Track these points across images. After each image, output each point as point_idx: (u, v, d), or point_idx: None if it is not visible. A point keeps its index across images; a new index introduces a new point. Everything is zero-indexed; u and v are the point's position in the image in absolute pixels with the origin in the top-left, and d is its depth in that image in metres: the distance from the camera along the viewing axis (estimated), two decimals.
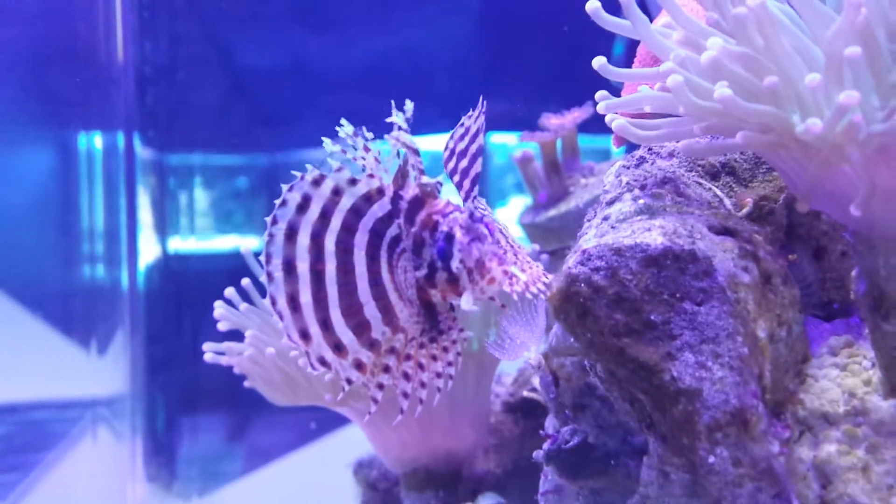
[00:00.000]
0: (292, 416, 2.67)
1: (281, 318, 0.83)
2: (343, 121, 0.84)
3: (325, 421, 2.64)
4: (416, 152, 0.89)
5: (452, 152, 0.87)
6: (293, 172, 0.83)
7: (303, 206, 0.82)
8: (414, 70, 2.75)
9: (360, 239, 0.86)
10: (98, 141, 2.66)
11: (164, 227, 2.79)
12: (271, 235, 0.83)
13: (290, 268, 0.83)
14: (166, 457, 2.72)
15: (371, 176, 0.84)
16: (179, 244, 2.83)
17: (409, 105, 0.87)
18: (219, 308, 1.50)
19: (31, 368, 2.37)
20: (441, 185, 0.92)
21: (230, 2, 2.79)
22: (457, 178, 0.86)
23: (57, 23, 2.46)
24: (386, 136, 0.87)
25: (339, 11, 2.83)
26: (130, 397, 2.62)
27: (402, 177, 0.89)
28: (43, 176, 2.58)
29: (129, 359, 2.62)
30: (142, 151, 2.72)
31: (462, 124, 0.87)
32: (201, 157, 2.93)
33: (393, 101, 0.88)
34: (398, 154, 0.89)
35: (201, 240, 2.87)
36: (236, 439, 2.81)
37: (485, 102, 0.86)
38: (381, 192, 0.85)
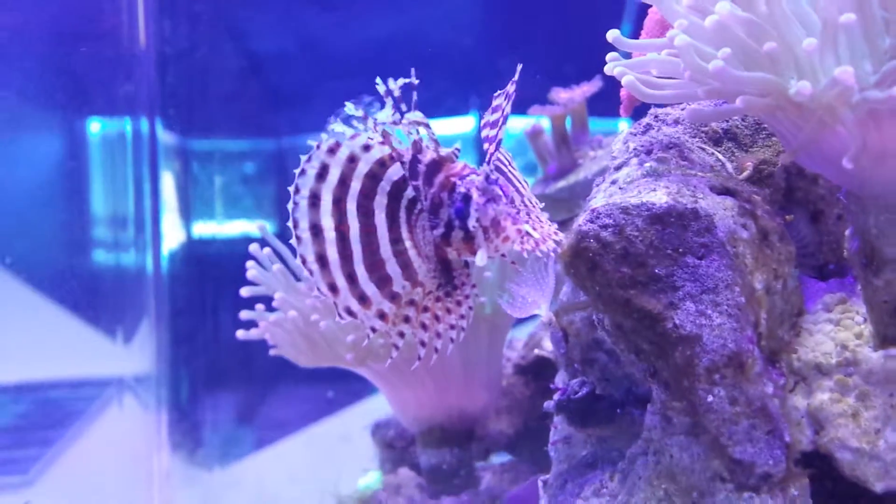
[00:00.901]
0: (311, 389, 2.76)
1: (311, 273, 0.90)
2: (378, 79, 0.90)
3: (342, 393, 2.73)
4: (428, 126, 0.95)
5: (486, 123, 0.94)
6: (309, 142, 0.88)
7: (322, 175, 0.88)
8: (424, 52, 2.78)
9: (380, 201, 0.92)
10: (120, 125, 2.70)
11: (186, 211, 2.84)
12: (296, 203, 0.89)
13: (316, 230, 0.89)
14: (190, 428, 2.81)
15: (383, 142, 0.89)
16: (201, 228, 2.90)
17: (393, 85, 0.91)
18: (251, 269, 1.58)
19: (64, 350, 2.47)
20: (459, 151, 0.98)
21: None
22: (486, 144, 0.92)
23: (79, 8, 2.50)
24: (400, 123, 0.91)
25: (346, 1, 2.86)
26: (156, 373, 2.71)
27: (419, 143, 0.95)
28: (65, 161, 2.64)
29: (155, 337, 2.70)
30: (164, 136, 2.74)
31: (497, 96, 0.93)
32: (223, 142, 2.98)
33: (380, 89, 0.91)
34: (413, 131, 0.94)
35: (222, 224, 2.94)
36: (257, 411, 2.91)
37: (517, 74, 0.92)
38: (392, 157, 0.91)
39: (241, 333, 1.62)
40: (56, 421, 2.53)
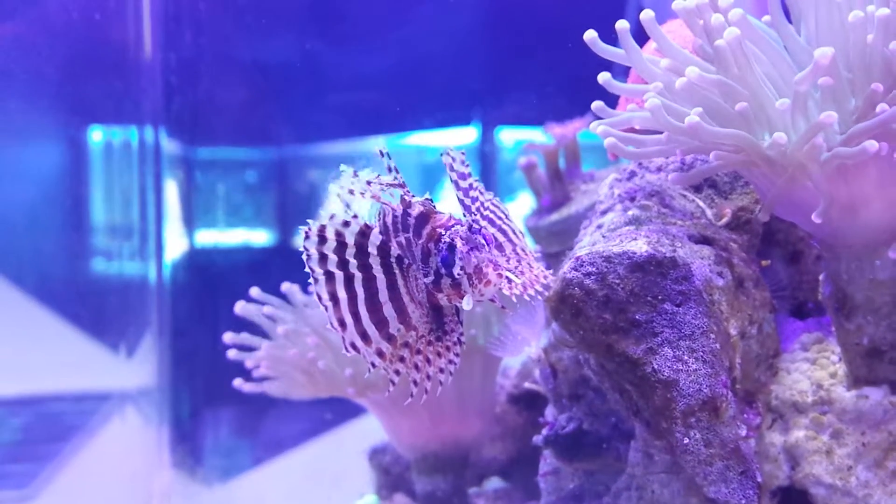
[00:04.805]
0: (309, 407, 2.80)
1: (326, 309, 0.98)
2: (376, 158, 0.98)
3: (340, 413, 2.77)
4: (403, 185, 1.03)
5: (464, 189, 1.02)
6: (300, 228, 0.97)
7: (322, 240, 0.97)
8: (426, 66, 2.81)
9: (373, 260, 1.01)
10: (125, 134, 2.71)
11: (189, 220, 2.86)
12: (308, 256, 0.98)
13: (329, 275, 0.98)
14: (191, 445, 2.84)
15: (356, 216, 0.99)
16: (203, 238, 2.92)
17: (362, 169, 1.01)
18: (242, 306, 1.65)
19: (65, 363, 2.50)
20: (431, 200, 1.05)
21: (247, 7, 2.87)
22: (461, 194, 0.99)
23: (85, 17, 2.51)
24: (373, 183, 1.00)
25: (349, 13, 2.91)
26: (158, 388, 2.74)
27: (407, 200, 1.03)
28: (70, 171, 2.66)
29: (157, 352, 2.73)
30: (168, 144, 2.71)
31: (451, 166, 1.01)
32: (226, 151, 3.00)
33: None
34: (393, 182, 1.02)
35: (224, 232, 2.97)
36: (257, 429, 2.94)
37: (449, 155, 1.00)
38: (368, 227, 1.00)
39: (233, 354, 1.68)
40: (57, 435, 2.56)
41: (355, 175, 1.00)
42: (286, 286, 1.67)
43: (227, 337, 1.67)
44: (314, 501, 2.44)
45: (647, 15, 1.06)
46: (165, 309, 2.77)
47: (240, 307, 1.66)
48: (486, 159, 2.94)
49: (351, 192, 0.99)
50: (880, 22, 0.96)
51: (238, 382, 1.67)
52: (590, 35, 1.09)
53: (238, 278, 1.73)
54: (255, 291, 1.68)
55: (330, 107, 2.87)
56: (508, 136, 2.95)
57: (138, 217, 2.71)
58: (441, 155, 1.01)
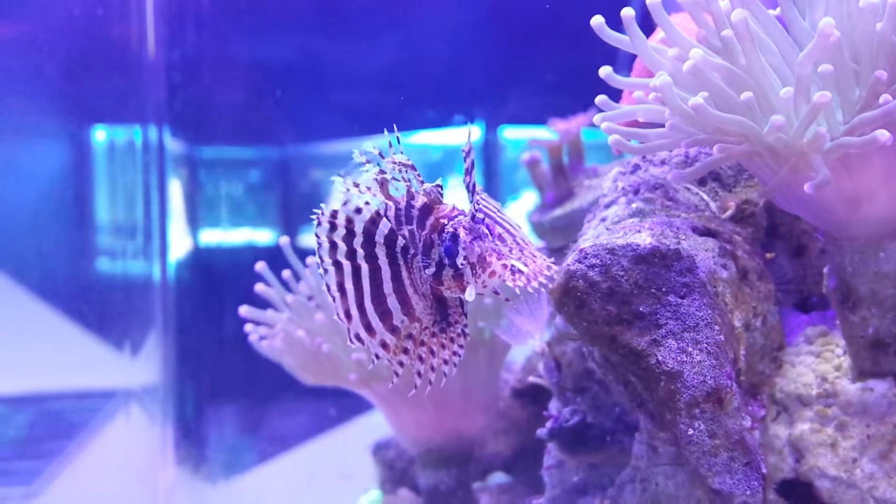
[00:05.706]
0: (313, 404, 2.81)
1: (334, 300, 0.99)
2: (355, 150, 0.98)
3: (343, 409, 2.77)
4: (413, 167, 1.03)
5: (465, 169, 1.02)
6: (314, 212, 0.97)
7: (333, 227, 0.98)
8: (428, 65, 2.82)
9: (379, 250, 1.01)
10: (129, 133, 2.73)
11: (193, 219, 2.87)
12: (319, 244, 0.99)
13: (338, 265, 0.99)
14: (195, 442, 2.85)
15: (367, 203, 1.00)
16: (207, 237, 2.93)
17: (371, 147, 1.01)
18: (261, 286, 1.66)
19: (70, 361, 2.52)
20: (441, 187, 1.05)
21: (250, 5, 2.87)
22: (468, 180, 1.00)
23: (89, 16, 2.52)
24: (385, 162, 1.01)
25: (352, 12, 2.91)
26: (163, 385, 2.75)
27: (410, 190, 1.03)
28: (73, 169, 2.67)
29: (162, 349, 2.74)
30: (171, 144, 2.72)
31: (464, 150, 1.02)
32: (229, 150, 3.01)
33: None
34: (403, 169, 1.02)
35: (228, 231, 2.98)
36: (261, 426, 2.95)
37: (470, 132, 1.01)
38: (379, 214, 1.01)
39: (250, 328, 1.68)
40: (61, 433, 2.57)
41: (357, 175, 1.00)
42: (311, 259, 1.68)
43: (243, 310, 1.67)
44: (318, 497, 2.44)
45: (653, 0, 1.06)
46: (170, 307, 2.77)
47: (260, 282, 1.67)
48: (489, 157, 2.95)
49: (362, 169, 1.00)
50: (892, 8, 0.96)
51: (253, 336, 1.67)
52: (597, 20, 1.09)
53: (242, 277, 1.74)
54: (283, 240, 1.69)
55: (333, 105, 2.88)
56: (512, 134, 2.96)
57: (142, 215, 2.72)
58: (468, 136, 1.01)
